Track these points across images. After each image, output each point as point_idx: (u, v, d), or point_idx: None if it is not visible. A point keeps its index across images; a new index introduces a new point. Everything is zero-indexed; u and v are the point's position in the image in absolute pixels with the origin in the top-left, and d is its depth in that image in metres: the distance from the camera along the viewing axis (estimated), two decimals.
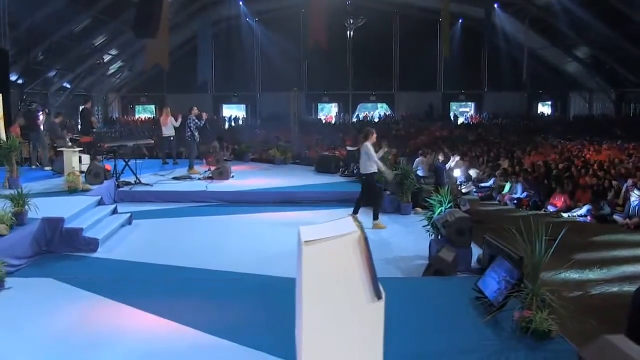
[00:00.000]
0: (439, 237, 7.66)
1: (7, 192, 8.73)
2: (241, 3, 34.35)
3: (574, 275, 8.24)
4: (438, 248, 7.20)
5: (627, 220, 11.35)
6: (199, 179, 12.96)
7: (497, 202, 14.08)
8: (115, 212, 9.77)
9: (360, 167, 9.73)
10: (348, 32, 34.36)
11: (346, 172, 13.92)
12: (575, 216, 12.03)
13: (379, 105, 41.01)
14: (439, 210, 7.73)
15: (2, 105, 10.93)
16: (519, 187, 13.78)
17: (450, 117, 38.33)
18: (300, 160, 17.32)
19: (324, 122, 37.67)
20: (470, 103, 40.67)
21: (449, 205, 7.71)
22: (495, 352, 4.63)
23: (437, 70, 37.98)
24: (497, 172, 15.68)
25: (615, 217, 11.72)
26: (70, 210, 8.62)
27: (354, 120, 37.87)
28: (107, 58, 31.74)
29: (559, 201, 12.79)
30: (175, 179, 12.87)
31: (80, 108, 27.75)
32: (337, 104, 40.55)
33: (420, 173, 13.45)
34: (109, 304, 5.72)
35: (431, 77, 38.02)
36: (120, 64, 34.31)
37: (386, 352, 3.79)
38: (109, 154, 12.55)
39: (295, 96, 20.42)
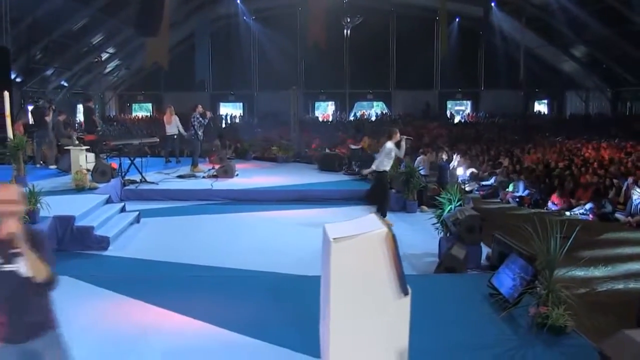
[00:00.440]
0: (448, 235, 7.75)
1: None
2: (238, 1, 34.30)
3: (579, 272, 8.33)
4: (448, 245, 7.30)
5: (629, 218, 11.45)
6: (203, 177, 13.01)
7: (498, 200, 14.17)
8: (123, 210, 9.82)
9: (375, 164, 9.77)
10: (345, 31, 34.37)
11: (349, 170, 14.00)
12: (577, 214, 12.13)
13: (375, 103, 41.05)
14: (448, 208, 7.81)
15: (8, 103, 10.94)
16: (521, 185, 13.88)
17: (446, 116, 38.42)
18: (300, 158, 17.40)
19: (320, 120, 37.66)
20: (465, 101, 40.77)
21: (458, 203, 7.79)
22: (514, 347, 4.72)
23: (433, 68, 38.04)
24: (498, 170, 15.78)
25: (617, 215, 11.82)
26: (79, 208, 8.68)
27: (351, 118, 37.90)
28: (104, 56, 31.66)
29: (560, 199, 12.89)
30: (179, 177, 12.92)
31: (79, 106, 27.95)
32: (333, 102, 40.57)
33: (422, 172, 13.53)
34: (127, 302, 5.79)
35: (428, 76, 38.08)
36: (118, 62, 34.21)
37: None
38: (114, 152, 12.57)
39: (295, 94, 20.46)
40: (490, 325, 5.15)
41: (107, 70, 34.32)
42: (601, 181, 13.53)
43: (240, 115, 39.61)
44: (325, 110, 41.20)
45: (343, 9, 32.36)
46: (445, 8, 30.50)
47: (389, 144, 9.60)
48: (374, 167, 9.71)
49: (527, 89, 35.32)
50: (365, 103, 40.83)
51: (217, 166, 13.50)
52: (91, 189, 10.24)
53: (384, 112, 39.28)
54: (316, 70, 35.30)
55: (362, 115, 38.79)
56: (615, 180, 13.24)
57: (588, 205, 12.16)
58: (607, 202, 11.95)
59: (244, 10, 35.28)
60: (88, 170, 10.82)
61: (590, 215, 11.99)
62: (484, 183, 15.49)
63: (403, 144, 10.09)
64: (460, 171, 14.49)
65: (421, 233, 9.05)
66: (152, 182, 11.93)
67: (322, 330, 4.25)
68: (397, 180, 10.82)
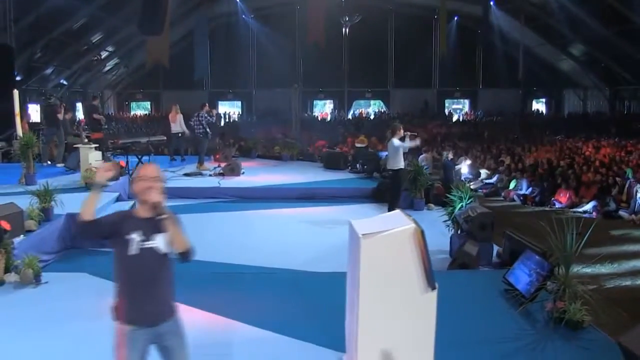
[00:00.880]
0: (459, 232, 7.84)
1: (25, 189, 8.83)
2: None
3: (586, 269, 8.46)
4: (460, 242, 7.39)
5: (633, 216, 11.59)
6: (210, 175, 13.06)
7: (502, 198, 14.29)
8: (133, 208, 9.85)
9: (388, 163, 9.84)
10: (343, 29, 34.43)
11: (354, 169, 14.11)
12: (581, 212, 12.25)
13: (372, 102, 41.12)
14: (459, 206, 7.90)
15: (18, 102, 10.96)
16: (524, 183, 14.01)
17: (445, 114, 38.53)
18: (302, 156, 17.47)
19: (319, 119, 37.72)
20: (463, 100, 40.89)
21: (469, 201, 7.89)
22: (534, 341, 4.82)
23: (432, 67, 38.17)
24: (500, 169, 15.90)
25: (621, 212, 11.96)
26: None
27: (349, 117, 37.98)
28: (103, 55, 31.63)
29: (564, 197, 13.02)
30: (186, 175, 12.97)
31: (79, 105, 27.94)
32: (332, 101, 40.63)
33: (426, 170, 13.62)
34: None
35: (426, 74, 38.18)
36: (117, 61, 34.19)
37: None
38: (121, 150, 12.61)
39: (296, 92, 20.53)
40: (508, 320, 5.25)
41: (106, 68, 34.30)
42: (604, 179, 13.66)
43: (239, 114, 39.62)
44: (322, 108, 41.21)
45: (342, 7, 32.42)
46: (445, 7, 30.57)
47: (396, 141, 9.69)
48: (389, 166, 9.80)
49: (525, 87, 35.47)
50: (361, 101, 40.87)
51: (222, 164, 13.55)
52: None
53: (382, 110, 39.36)
54: (314, 69, 35.33)
55: (361, 113, 38.86)
56: (618, 179, 13.37)
57: (592, 203, 12.28)
58: (611, 200, 12.07)
59: (243, 8, 35.29)
60: (97, 168, 10.85)
61: (594, 213, 12.11)
62: (486, 181, 15.61)
63: (407, 140, 10.18)
64: (465, 169, 14.61)
65: (430, 230, 9.02)
66: None
67: (349, 325, 4.32)
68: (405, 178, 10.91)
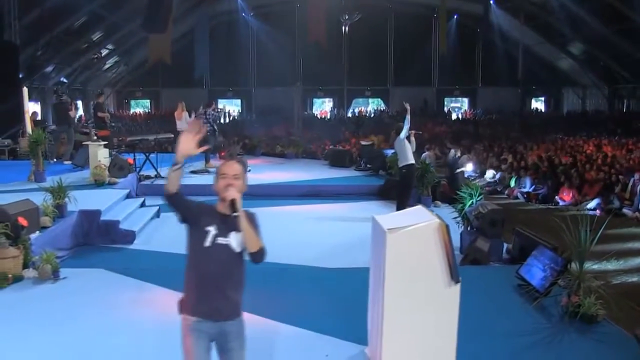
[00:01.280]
0: (469, 228, 7.94)
1: (39, 185, 8.88)
2: None
3: (593, 266, 8.56)
4: (471, 239, 7.48)
5: (637, 214, 11.70)
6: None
7: (505, 196, 14.40)
8: (143, 205, 9.94)
9: (399, 161, 9.92)
10: (343, 27, 34.51)
11: (361, 167, 14.22)
12: (585, 209, 12.35)
13: (370, 100, 41.20)
14: (469, 202, 7.99)
15: (27, 99, 11.00)
16: (527, 181, 14.11)
17: (444, 112, 38.65)
18: (305, 154, 17.54)
19: (318, 117, 37.78)
20: (461, 98, 41.03)
21: (479, 198, 7.98)
22: (550, 334, 4.91)
23: (431, 65, 38.28)
24: (503, 167, 16.01)
25: (624, 210, 12.07)
26: (103, 202, 8.80)
27: (349, 115, 38.05)
28: (103, 52, 31.63)
29: (567, 195, 13.13)
30: (192, 172, 13.03)
31: (78, 102, 27.93)
32: (331, 99, 40.69)
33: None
34: (169, 293, 5.90)
35: (425, 73, 38.27)
36: (116, 59, 34.19)
37: None
38: (127, 148, 12.66)
39: (298, 91, 20.59)
40: (524, 314, 5.34)
41: (106, 66, 34.30)
42: (607, 177, 13.77)
43: (239, 112, 39.65)
44: (321, 106, 41.25)
45: (341, 5, 32.47)
46: (445, 5, 30.66)
47: (399, 138, 9.79)
48: (399, 164, 9.88)
49: (524, 86, 35.60)
50: (360, 100, 40.92)
51: None
52: (110, 184, 10.35)
53: (381, 108, 39.44)
54: (314, 67, 35.31)
55: (361, 112, 38.94)
56: (621, 177, 13.48)
57: (596, 201, 12.39)
58: (615, 198, 12.19)
59: (243, 6, 35.32)
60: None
61: (598, 211, 12.22)
62: (489, 179, 15.71)
63: (412, 139, 10.27)
64: (470, 167, 14.69)
65: None
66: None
67: (372, 318, 4.40)
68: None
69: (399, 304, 4.05)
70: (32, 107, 23.68)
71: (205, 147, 3.03)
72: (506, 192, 14.54)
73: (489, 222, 7.34)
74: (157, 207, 9.84)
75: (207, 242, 3.08)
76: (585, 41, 28.89)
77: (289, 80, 33.19)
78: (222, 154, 14.94)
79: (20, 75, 23.60)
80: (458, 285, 4.06)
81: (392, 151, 12.30)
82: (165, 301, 5.69)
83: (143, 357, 4.54)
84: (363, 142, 15.38)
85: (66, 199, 7.95)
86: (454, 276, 4.02)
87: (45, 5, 20.84)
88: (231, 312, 3.19)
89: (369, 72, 37.85)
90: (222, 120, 33.27)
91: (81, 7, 24.04)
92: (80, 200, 8.38)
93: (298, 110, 20.00)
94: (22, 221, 6.52)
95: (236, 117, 37.67)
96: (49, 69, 27.34)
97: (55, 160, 13.59)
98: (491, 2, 31.21)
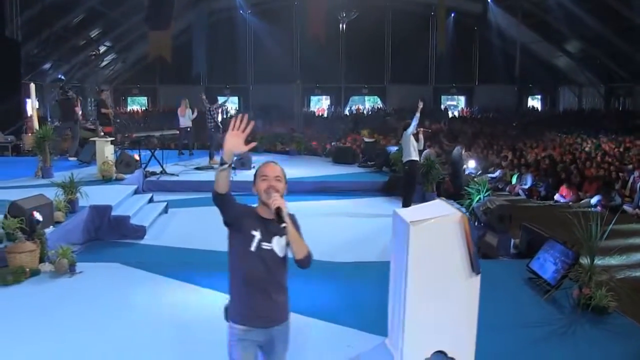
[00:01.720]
0: (477, 224, 8.04)
1: (51, 181, 8.92)
2: None
3: (596, 261, 8.69)
4: (480, 234, 7.59)
5: (637, 210, 11.83)
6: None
7: (507, 193, 14.52)
8: (151, 200, 10.01)
9: (403, 156, 10.04)
10: (340, 25, 34.60)
11: (365, 163, 14.35)
12: (586, 206, 12.49)
13: (366, 98, 41.28)
14: (477, 198, 8.10)
15: (34, 95, 11.03)
16: (529, 178, 14.24)
17: (441, 110, 38.75)
18: (306, 151, 17.63)
19: (316, 114, 37.81)
20: (459, 96, 41.17)
21: (487, 194, 8.09)
22: (564, 325, 5.04)
23: (428, 63, 38.37)
24: (504, 164, 16.14)
25: (625, 207, 12.20)
26: (113, 198, 8.86)
27: (346, 112, 38.11)
28: (101, 49, 31.60)
29: (568, 192, 13.26)
30: (197, 169, 13.11)
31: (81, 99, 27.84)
32: (328, 97, 40.75)
33: None
34: (187, 287, 6.00)
35: (423, 71, 38.30)
36: (114, 56, 34.15)
37: None
38: (131, 144, 12.72)
39: (298, 89, 20.65)
40: (537, 306, 5.45)
41: (104, 63, 34.26)
42: (606, 174, 13.91)
43: (236, 109, 39.62)
44: (317, 104, 41.27)
45: (339, 3, 32.54)
46: (443, 4, 30.78)
47: (406, 134, 9.93)
48: (403, 159, 10.00)
49: (521, 84, 35.76)
50: (355, 97, 40.97)
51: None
52: (118, 180, 10.42)
53: (378, 106, 39.53)
54: (312, 65, 35.38)
55: (358, 109, 39.03)
56: (620, 174, 13.63)
57: (596, 198, 12.53)
58: (617, 194, 12.33)
59: (241, 3, 35.31)
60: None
61: (598, 207, 12.35)
62: (490, 176, 15.82)
63: (421, 136, 10.39)
64: (472, 164, 14.82)
65: None
66: (173, 174, 12.12)
67: (393, 309, 4.49)
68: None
69: (421, 295, 4.14)
70: (29, 104, 23.79)
71: (253, 144, 2.86)
72: (507, 189, 14.66)
73: (498, 218, 7.46)
74: (165, 203, 9.92)
75: (253, 247, 3.01)
76: (582, 40, 29.06)
77: (286, 78, 33.29)
78: None
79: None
80: (478, 277, 4.16)
81: (396, 148, 12.46)
82: (184, 295, 5.78)
83: (167, 349, 4.61)
84: (366, 139, 15.48)
85: (78, 194, 8.00)
86: (475, 267, 4.12)
87: (46, 1, 20.83)
88: (279, 316, 3.13)
89: (366, 69, 37.91)
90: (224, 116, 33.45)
91: (81, 4, 24.05)
92: (90, 196, 8.44)
93: (298, 108, 20.04)
94: (37, 216, 6.59)
95: (232, 115, 37.54)
96: (47, 65, 27.29)
97: (58, 156, 13.61)
98: (489, 0, 31.35)
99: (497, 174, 15.87)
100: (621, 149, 18.18)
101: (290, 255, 3.07)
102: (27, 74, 24.83)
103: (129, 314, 5.27)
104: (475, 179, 12.83)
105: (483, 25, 33.12)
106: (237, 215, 3.05)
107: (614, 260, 8.94)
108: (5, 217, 6.48)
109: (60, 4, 22.01)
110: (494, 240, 7.19)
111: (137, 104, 40.53)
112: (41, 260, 6.36)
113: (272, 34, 35.21)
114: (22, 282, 5.94)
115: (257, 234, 3.02)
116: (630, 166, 14.45)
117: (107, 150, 10.92)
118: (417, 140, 10.16)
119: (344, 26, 34.69)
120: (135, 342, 4.69)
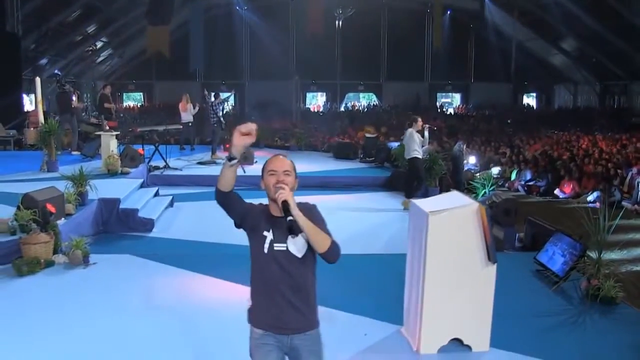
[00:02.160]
0: None
1: (49, 175, 8.97)
2: None
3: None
4: None
5: (636, 206, 12.00)
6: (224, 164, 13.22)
7: (506, 189, 14.64)
8: (157, 194, 10.07)
9: (405, 152, 10.17)
10: (337, 22, 34.66)
11: (366, 159, 14.47)
12: (585, 202, 12.63)
13: (361, 95, 41.36)
14: (482, 192, 8.22)
15: (40, 89, 11.06)
16: (528, 174, 14.39)
17: (437, 107, 38.89)
18: (306, 146, 17.70)
19: (312, 111, 37.87)
20: (453, 94, 41.35)
21: (492, 188, 8.21)
22: (574, 315, 5.17)
23: (424, 60, 38.50)
24: (503, 160, 16.27)
25: (623, 203, 12.35)
26: (120, 191, 8.91)
27: (342, 109, 38.18)
28: (97, 45, 31.54)
29: (568, 188, 13.42)
30: (200, 163, 13.18)
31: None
32: (324, 93, 40.81)
33: None
34: (199, 278, 6.08)
35: (418, 68, 38.49)
36: (110, 52, 34.07)
37: None
38: (133, 138, 12.76)
39: (296, 85, 20.71)
40: (546, 297, 5.58)
41: (100, 59, 34.19)
42: (604, 171, 14.06)
43: (232, 105, 39.57)
44: (312, 100, 41.29)
45: (335, 0, 32.61)
46: (440, 1, 30.91)
47: (410, 131, 10.06)
48: (405, 156, 10.11)
49: (516, 82, 35.94)
50: (351, 94, 41.03)
51: None
52: (123, 174, 10.47)
53: (374, 103, 39.62)
54: (308, 61, 35.40)
55: (354, 106, 39.12)
56: (619, 170, 13.79)
57: (596, 193, 12.68)
58: (616, 190, 12.48)
59: None
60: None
61: (597, 203, 12.49)
62: (495, 174, 15.95)
63: (426, 132, 10.52)
64: (473, 160, 14.95)
65: None
66: (176, 168, 12.19)
67: (410, 298, 4.59)
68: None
69: (438, 284, 4.26)
70: (26, 99, 23.74)
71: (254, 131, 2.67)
72: (507, 184, 14.79)
73: (503, 211, 7.58)
74: (171, 197, 9.99)
75: (265, 249, 2.79)
76: (577, 38, 29.25)
77: (282, 74, 33.33)
78: (227, 145, 15.04)
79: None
80: (494, 266, 4.28)
81: (397, 144, 12.57)
82: (198, 285, 5.87)
83: (185, 338, 4.70)
84: (368, 135, 15.58)
85: (87, 187, 8.05)
86: (492, 257, 4.24)
87: None
88: (301, 325, 2.85)
89: (362, 66, 37.92)
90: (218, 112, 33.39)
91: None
92: (98, 189, 8.49)
93: (295, 104, 20.11)
94: (51, 208, 6.64)
95: (229, 111, 37.56)
96: (44, 61, 27.24)
97: (61, 151, 13.63)
98: None
99: (496, 171, 15.98)
100: (618, 146, 18.36)
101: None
102: (25, 69, 24.83)
103: (144, 303, 5.36)
104: (478, 175, 13.04)
105: (479, 23, 33.23)
106: (245, 215, 2.85)
107: (615, 255, 9.09)
108: (19, 208, 6.52)
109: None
110: (499, 234, 7.32)
111: (132, 100, 40.43)
112: (55, 252, 6.42)
113: (268, 30, 35.14)
114: (37, 272, 6.00)
115: (268, 235, 2.80)
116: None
117: (112, 145, 10.96)
118: (422, 136, 10.29)
119: (340, 23, 34.76)
120: (151, 330, 4.77)
